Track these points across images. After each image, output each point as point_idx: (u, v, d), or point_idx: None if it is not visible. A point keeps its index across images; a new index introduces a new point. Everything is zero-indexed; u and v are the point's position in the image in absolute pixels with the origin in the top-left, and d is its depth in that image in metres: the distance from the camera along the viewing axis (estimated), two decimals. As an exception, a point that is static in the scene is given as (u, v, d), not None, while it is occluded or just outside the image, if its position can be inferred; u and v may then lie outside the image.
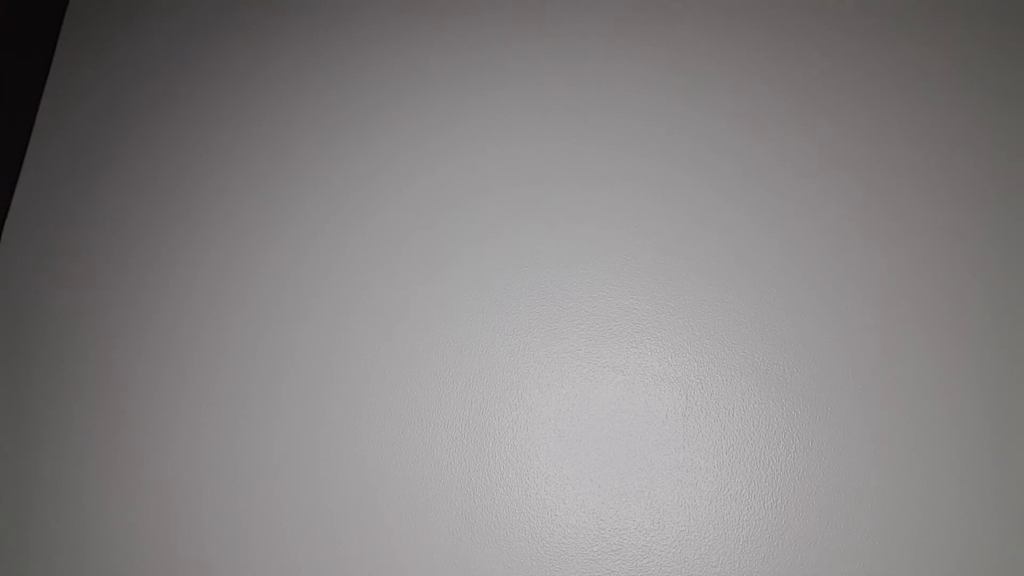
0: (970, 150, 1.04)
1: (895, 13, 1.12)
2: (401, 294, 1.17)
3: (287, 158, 1.28)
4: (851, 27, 1.12)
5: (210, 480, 1.15)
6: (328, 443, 1.12)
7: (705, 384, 1.03)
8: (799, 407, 1.00)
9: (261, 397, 1.17)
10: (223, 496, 1.13)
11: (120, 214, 1.33)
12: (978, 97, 1.06)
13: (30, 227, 1.37)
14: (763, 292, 1.05)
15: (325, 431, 1.13)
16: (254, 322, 1.21)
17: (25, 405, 1.26)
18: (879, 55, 1.10)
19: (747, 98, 1.13)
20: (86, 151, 1.39)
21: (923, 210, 1.03)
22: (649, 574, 0.98)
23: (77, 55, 1.46)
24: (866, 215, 1.05)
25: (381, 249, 1.20)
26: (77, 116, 1.41)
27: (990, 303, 0.99)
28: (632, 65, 1.18)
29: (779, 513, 0.97)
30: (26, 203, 1.38)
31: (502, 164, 1.19)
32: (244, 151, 1.31)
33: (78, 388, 1.25)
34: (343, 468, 1.10)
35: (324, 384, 1.15)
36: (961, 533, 0.92)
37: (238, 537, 1.11)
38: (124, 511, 1.17)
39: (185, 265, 1.27)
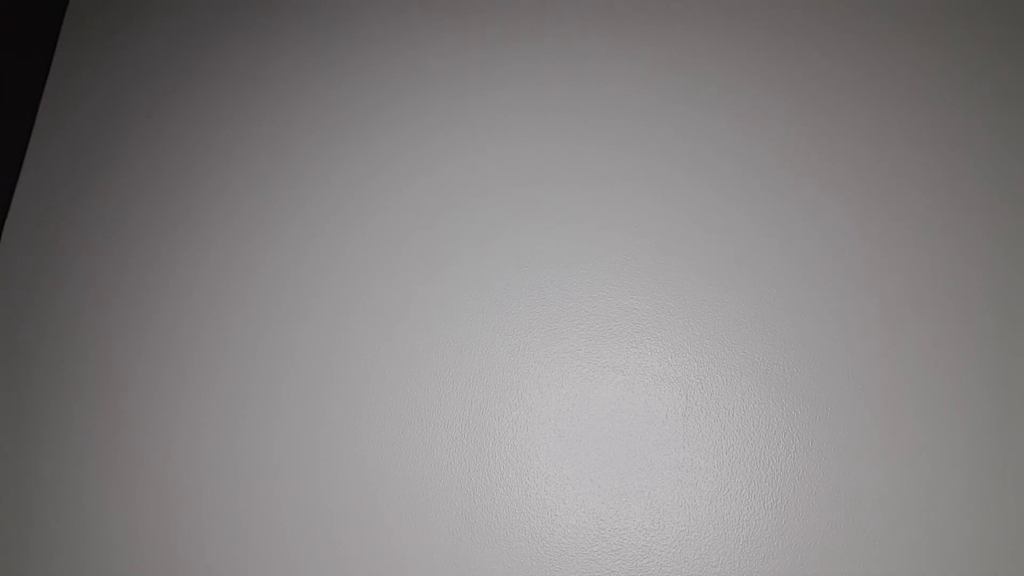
0: (970, 150, 1.04)
1: (895, 13, 1.12)
2: (401, 294, 1.17)
3: (287, 158, 1.28)
4: (851, 27, 1.12)
5: (210, 480, 1.15)
6: (328, 443, 1.12)
7: (705, 384, 1.03)
8: (799, 407, 1.00)
9: (261, 397, 1.17)
10: (223, 496, 1.13)
11: (120, 214, 1.33)
12: (978, 97, 1.06)
13: (30, 227, 1.37)
14: (763, 292, 1.05)
15: (325, 431, 1.13)
16: (254, 322, 1.21)
17: (25, 405, 1.26)
18: (879, 55, 1.10)
19: (747, 98, 1.13)
20: (86, 151, 1.39)
21: (923, 210, 1.03)
22: (649, 574, 0.98)
23: (77, 55, 1.46)
24: (866, 215, 1.05)
25: (381, 249, 1.20)
26: (77, 116, 1.41)
27: (990, 303, 0.99)
28: (632, 65, 1.18)
29: (779, 513, 0.97)
30: (26, 203, 1.38)
31: (502, 164, 1.19)
32: (244, 151, 1.31)
33: (78, 388, 1.25)
34: (343, 468, 1.11)
35: (324, 384, 1.15)
36: (962, 533, 0.92)
37: (238, 537, 1.11)
38: (124, 511, 1.17)
39: (185, 265, 1.27)
